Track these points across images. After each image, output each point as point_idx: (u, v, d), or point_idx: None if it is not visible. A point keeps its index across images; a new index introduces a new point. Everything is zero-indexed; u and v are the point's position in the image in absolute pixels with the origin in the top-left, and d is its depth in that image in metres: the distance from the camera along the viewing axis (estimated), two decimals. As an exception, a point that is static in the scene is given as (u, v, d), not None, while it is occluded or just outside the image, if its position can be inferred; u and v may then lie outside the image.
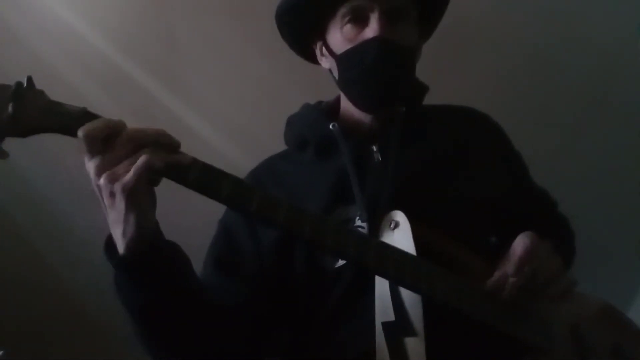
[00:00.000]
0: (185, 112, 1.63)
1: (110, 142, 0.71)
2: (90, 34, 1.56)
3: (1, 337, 1.57)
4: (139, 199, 0.72)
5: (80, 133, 0.70)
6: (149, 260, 0.75)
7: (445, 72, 1.66)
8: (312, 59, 1.14)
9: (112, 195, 0.71)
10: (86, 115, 0.74)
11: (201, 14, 1.61)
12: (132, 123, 1.64)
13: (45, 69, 1.54)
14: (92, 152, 0.71)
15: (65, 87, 1.56)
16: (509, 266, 0.86)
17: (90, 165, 0.71)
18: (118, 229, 0.74)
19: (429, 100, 1.15)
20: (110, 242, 0.77)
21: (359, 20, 1.00)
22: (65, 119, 0.73)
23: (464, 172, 1.03)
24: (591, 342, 0.94)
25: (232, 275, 0.97)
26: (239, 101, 1.67)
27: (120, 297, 0.80)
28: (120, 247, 0.75)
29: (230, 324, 0.90)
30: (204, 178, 0.74)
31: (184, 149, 0.76)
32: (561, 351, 0.91)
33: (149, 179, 0.72)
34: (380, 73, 0.99)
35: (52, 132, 0.74)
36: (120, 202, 0.71)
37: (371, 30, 0.98)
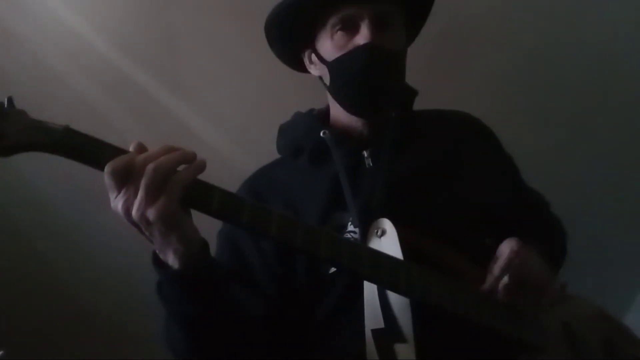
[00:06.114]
0: (185, 112, 1.63)
1: (131, 174, 0.71)
2: (90, 35, 1.56)
3: (1, 337, 1.57)
4: (177, 218, 0.72)
5: (107, 169, 0.70)
6: (202, 272, 0.77)
7: (444, 73, 1.66)
8: (298, 67, 1.15)
9: (148, 224, 0.71)
10: (68, 132, 0.73)
11: (201, 14, 1.61)
12: (132, 123, 1.65)
13: (46, 70, 1.54)
14: (118, 188, 0.71)
15: (66, 87, 1.56)
16: (494, 269, 0.88)
17: (118, 204, 0.71)
18: (168, 251, 0.75)
19: (427, 101, 1.15)
20: (156, 255, 0.78)
21: (349, 27, 1.01)
22: (47, 137, 0.72)
23: (455, 176, 1.04)
24: (583, 337, 0.95)
25: (244, 288, 0.97)
26: (239, 101, 1.67)
27: (166, 307, 0.81)
28: (174, 263, 0.76)
29: (253, 336, 0.91)
30: (193, 192, 0.74)
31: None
32: (554, 348, 0.91)
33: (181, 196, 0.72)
34: (372, 78, 1.00)
35: (34, 151, 0.73)
36: (160, 229, 0.71)
37: (362, 37, 0.99)
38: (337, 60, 1.02)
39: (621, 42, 1.69)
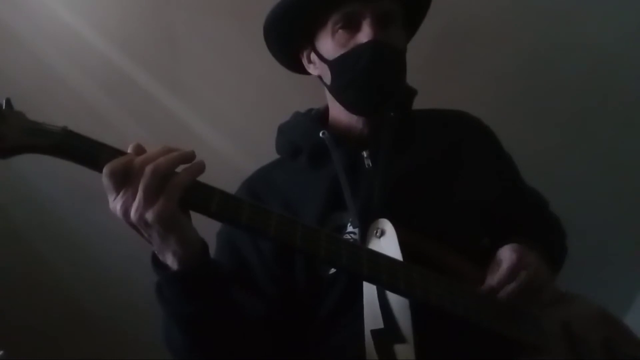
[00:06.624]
0: (185, 113, 1.63)
1: (129, 175, 0.71)
2: (90, 35, 1.56)
3: (1, 337, 1.57)
4: (176, 220, 0.72)
5: (105, 170, 0.70)
6: (201, 273, 0.77)
7: (444, 73, 1.66)
8: (296, 67, 1.15)
9: (147, 226, 0.71)
10: (67, 134, 0.73)
11: (201, 14, 1.61)
12: (131, 124, 1.65)
13: (45, 70, 1.54)
14: (117, 189, 0.71)
15: (65, 87, 1.56)
16: (496, 276, 0.88)
17: (116, 205, 0.71)
18: (167, 253, 0.75)
19: (427, 101, 1.15)
20: (156, 256, 0.78)
21: (351, 25, 1.01)
22: (46, 139, 0.72)
23: (455, 175, 1.04)
24: (583, 337, 0.95)
25: (244, 289, 0.97)
26: (239, 102, 1.67)
27: (166, 308, 0.81)
28: (173, 264, 0.76)
29: (253, 337, 0.91)
30: (192, 194, 0.74)
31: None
32: (554, 348, 0.91)
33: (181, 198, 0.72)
34: (375, 75, 1.00)
35: (33, 152, 0.73)
36: (158, 231, 0.71)
37: (364, 34, 0.99)
38: (339, 58, 1.02)
39: (621, 42, 1.69)
